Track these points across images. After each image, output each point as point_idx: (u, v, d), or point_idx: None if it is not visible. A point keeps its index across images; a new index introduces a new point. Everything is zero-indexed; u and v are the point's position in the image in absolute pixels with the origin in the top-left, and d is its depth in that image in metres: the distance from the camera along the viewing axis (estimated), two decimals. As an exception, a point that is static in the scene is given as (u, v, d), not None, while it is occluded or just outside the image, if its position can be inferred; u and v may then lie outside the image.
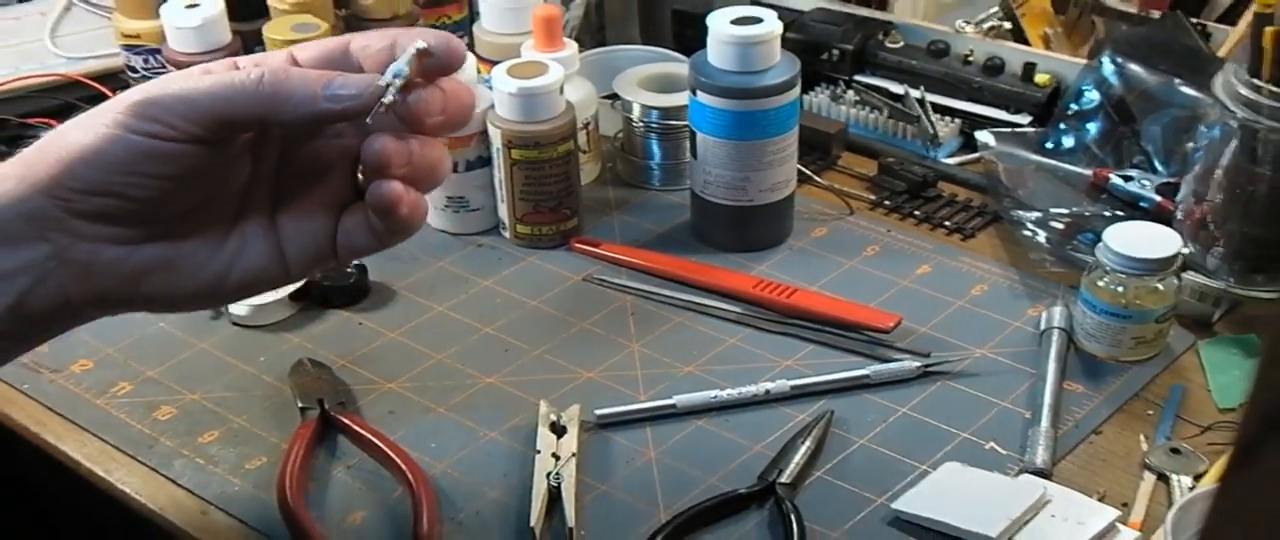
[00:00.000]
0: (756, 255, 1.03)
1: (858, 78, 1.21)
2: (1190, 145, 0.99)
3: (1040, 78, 1.15)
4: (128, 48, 1.18)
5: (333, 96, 0.64)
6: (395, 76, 0.64)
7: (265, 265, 0.69)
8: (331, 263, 0.71)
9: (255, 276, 0.69)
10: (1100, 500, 0.78)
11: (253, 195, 0.70)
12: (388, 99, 0.64)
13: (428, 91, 0.66)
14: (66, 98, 1.20)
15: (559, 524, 0.78)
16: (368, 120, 0.64)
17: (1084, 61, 1.14)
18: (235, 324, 0.97)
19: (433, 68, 0.66)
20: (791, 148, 1.02)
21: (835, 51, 1.21)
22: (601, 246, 1.05)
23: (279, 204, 0.70)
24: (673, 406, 0.87)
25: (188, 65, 1.10)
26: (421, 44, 0.65)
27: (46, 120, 1.17)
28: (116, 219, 0.65)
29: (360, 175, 0.69)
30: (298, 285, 0.97)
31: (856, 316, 0.95)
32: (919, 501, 0.79)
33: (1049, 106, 1.14)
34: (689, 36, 1.22)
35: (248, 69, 0.65)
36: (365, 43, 0.67)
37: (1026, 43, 1.22)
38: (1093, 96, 1.10)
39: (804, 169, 1.09)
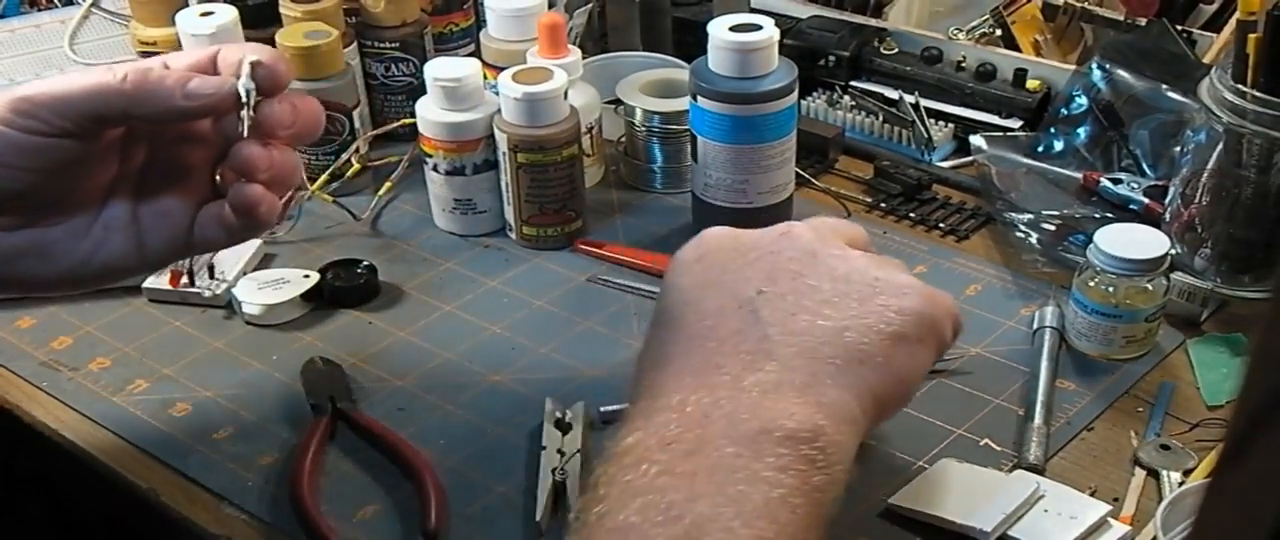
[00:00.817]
0: (756, 257, 1.04)
1: (854, 83, 1.22)
2: (1177, 149, 1.00)
3: (1031, 83, 1.16)
4: (144, 54, 1.19)
5: (189, 94, 0.71)
6: (245, 87, 0.73)
7: (125, 254, 0.76)
8: (185, 254, 0.79)
9: (116, 264, 0.77)
10: (1092, 495, 0.79)
11: (118, 189, 0.76)
12: (244, 99, 0.73)
13: (279, 105, 0.74)
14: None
15: (564, 518, 0.79)
16: (241, 133, 0.73)
17: (1073, 68, 1.15)
18: (248, 323, 0.98)
19: (263, 80, 0.73)
20: (790, 151, 1.03)
21: (832, 58, 1.22)
22: (604, 248, 1.06)
23: (141, 198, 0.76)
24: (675, 404, 0.88)
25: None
26: (253, 57, 0.73)
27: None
28: None
29: (219, 176, 0.77)
30: (309, 286, 0.99)
31: None
32: (915, 497, 0.79)
33: (1040, 111, 1.15)
34: (689, 43, 1.23)
35: (116, 69, 0.72)
36: (226, 56, 0.75)
37: (1017, 49, 1.23)
38: (1082, 102, 1.11)
39: (802, 172, 1.10)
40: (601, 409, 0.88)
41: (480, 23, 1.20)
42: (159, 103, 0.71)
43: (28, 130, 0.70)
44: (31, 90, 0.71)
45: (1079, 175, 1.08)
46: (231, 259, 1.02)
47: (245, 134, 0.73)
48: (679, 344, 0.66)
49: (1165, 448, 0.83)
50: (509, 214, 1.06)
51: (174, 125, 0.76)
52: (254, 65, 0.73)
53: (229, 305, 1.00)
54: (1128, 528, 0.77)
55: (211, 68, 0.75)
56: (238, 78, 0.73)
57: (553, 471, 0.81)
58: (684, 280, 0.70)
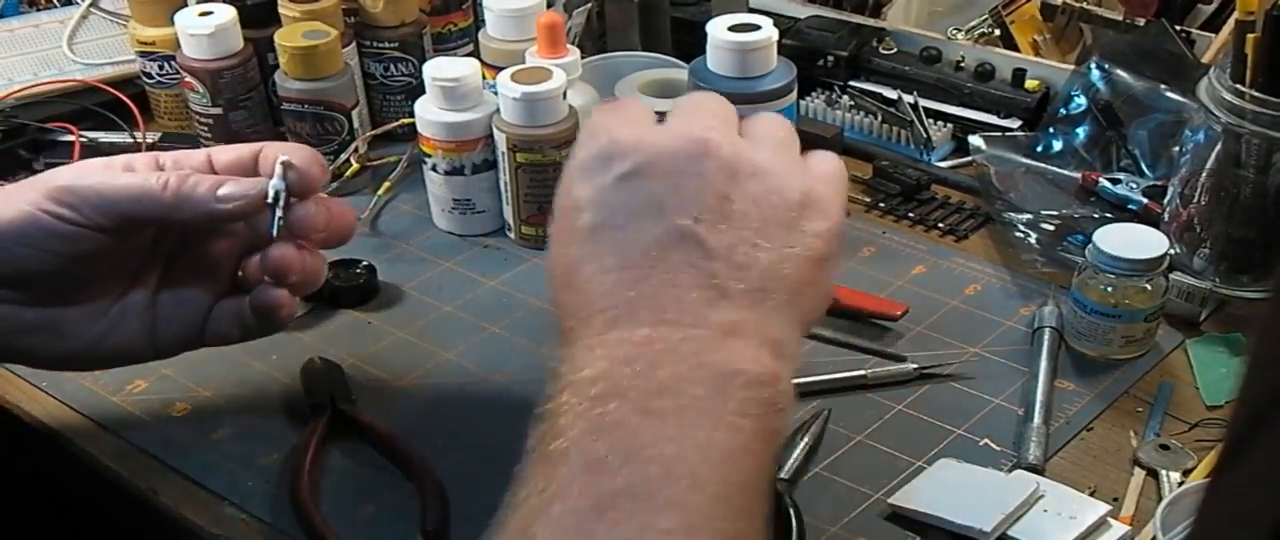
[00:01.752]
0: (755, 257, 1.04)
1: (852, 83, 1.22)
2: (1176, 149, 1.00)
3: (1030, 83, 1.16)
4: (143, 54, 1.19)
5: (221, 198, 0.74)
6: (275, 188, 0.75)
7: (136, 340, 0.77)
8: (195, 346, 0.81)
9: (125, 349, 0.78)
10: (1092, 495, 0.79)
11: (142, 276, 0.78)
12: (272, 201, 0.75)
13: (315, 208, 0.76)
14: (84, 103, 1.21)
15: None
16: (271, 233, 0.75)
17: (1072, 68, 1.15)
18: (247, 324, 0.98)
19: (295, 182, 0.75)
20: (789, 152, 1.03)
21: (830, 57, 1.22)
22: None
23: (162, 287, 0.78)
24: (675, 404, 0.88)
25: (202, 71, 1.13)
26: (286, 157, 0.75)
27: (65, 125, 1.18)
28: (11, 283, 0.73)
29: (242, 272, 0.79)
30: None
31: (865, 305, 0.97)
32: (915, 497, 0.79)
33: (1038, 111, 1.15)
34: (688, 43, 1.22)
35: (159, 174, 0.74)
36: (268, 154, 0.77)
37: (1016, 49, 1.23)
38: (1081, 102, 1.11)
39: (801, 172, 1.10)
40: (601, 409, 0.88)
41: (479, 22, 1.20)
42: (194, 208, 0.73)
43: (64, 219, 0.72)
44: (73, 180, 0.72)
45: (1078, 175, 1.08)
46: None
47: (274, 234, 0.75)
48: (627, 272, 0.62)
49: (1165, 448, 0.83)
50: (508, 214, 1.06)
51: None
52: (286, 165, 0.75)
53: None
54: (1127, 528, 0.77)
55: (253, 164, 0.77)
56: (271, 178, 0.75)
57: (552, 471, 0.81)
58: (607, 197, 0.64)
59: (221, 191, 0.74)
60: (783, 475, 0.81)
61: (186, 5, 1.17)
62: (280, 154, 0.76)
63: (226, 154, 0.77)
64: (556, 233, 0.66)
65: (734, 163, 0.64)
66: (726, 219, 0.63)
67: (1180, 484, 0.80)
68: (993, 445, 0.85)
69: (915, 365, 0.91)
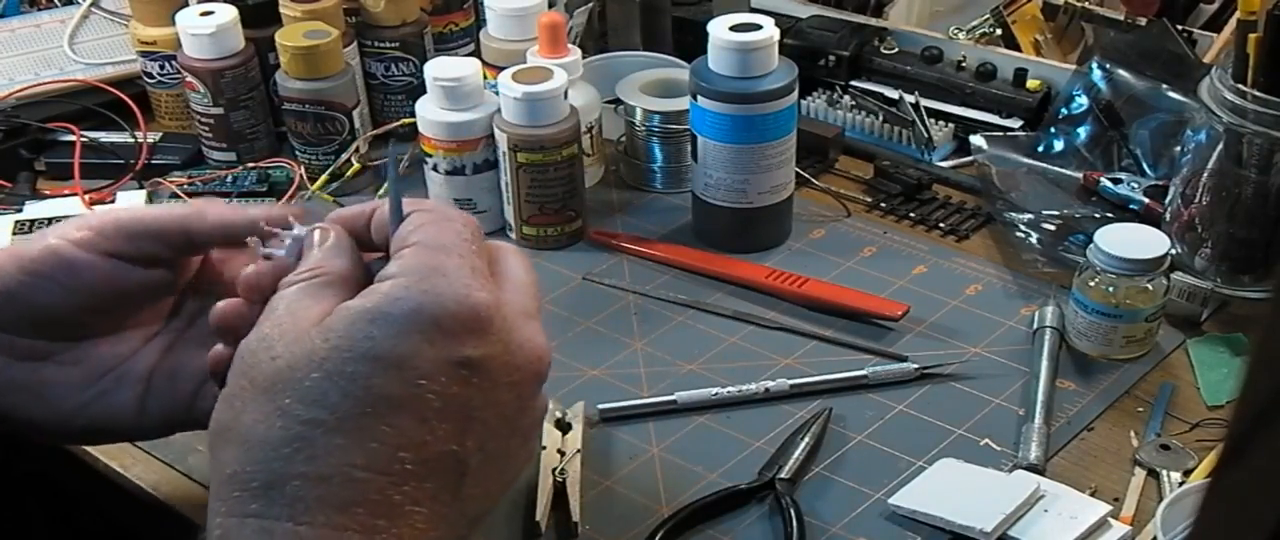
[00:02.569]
0: (757, 256, 1.04)
1: (854, 83, 1.22)
2: (1177, 149, 1.00)
3: (1031, 83, 1.16)
4: (144, 54, 1.20)
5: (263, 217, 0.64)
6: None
7: (122, 412, 0.70)
8: (182, 428, 0.72)
9: (109, 421, 0.71)
10: (1092, 495, 0.79)
11: (150, 343, 0.72)
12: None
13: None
14: (85, 103, 1.21)
15: (564, 518, 0.79)
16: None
17: (1074, 67, 1.15)
18: (247, 324, 0.98)
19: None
20: (790, 151, 1.03)
21: (832, 57, 1.22)
22: (619, 238, 1.07)
23: (162, 359, 0.71)
24: (674, 402, 0.89)
25: (203, 71, 1.13)
26: (280, 253, 0.63)
27: (66, 125, 1.18)
28: (16, 326, 0.67)
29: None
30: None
31: (866, 305, 0.97)
32: (915, 497, 0.80)
33: (1040, 111, 1.15)
34: (689, 43, 1.22)
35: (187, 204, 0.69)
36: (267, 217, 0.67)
37: (1017, 49, 1.24)
38: (1082, 101, 1.11)
39: (802, 172, 1.10)
40: (599, 406, 0.88)
41: (480, 22, 1.20)
42: (221, 225, 0.67)
43: (85, 245, 0.66)
44: (94, 215, 0.68)
45: (1079, 175, 1.08)
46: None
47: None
48: (376, 476, 0.52)
49: (1165, 448, 0.83)
50: (509, 214, 1.06)
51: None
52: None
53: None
54: (1128, 528, 0.77)
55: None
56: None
57: (553, 471, 0.81)
58: (428, 378, 0.53)
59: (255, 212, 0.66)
60: (784, 475, 0.81)
61: (187, 5, 1.17)
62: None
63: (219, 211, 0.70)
64: (289, 370, 0.52)
65: (521, 389, 0.56)
66: (496, 457, 0.55)
67: (1181, 484, 0.80)
68: (993, 445, 0.85)
69: (916, 365, 0.91)
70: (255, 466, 0.51)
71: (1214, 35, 1.17)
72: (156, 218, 0.68)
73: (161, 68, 1.19)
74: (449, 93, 1.03)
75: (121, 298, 0.69)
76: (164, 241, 0.68)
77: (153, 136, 1.20)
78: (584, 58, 1.11)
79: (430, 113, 1.04)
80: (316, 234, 0.60)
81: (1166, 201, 1.00)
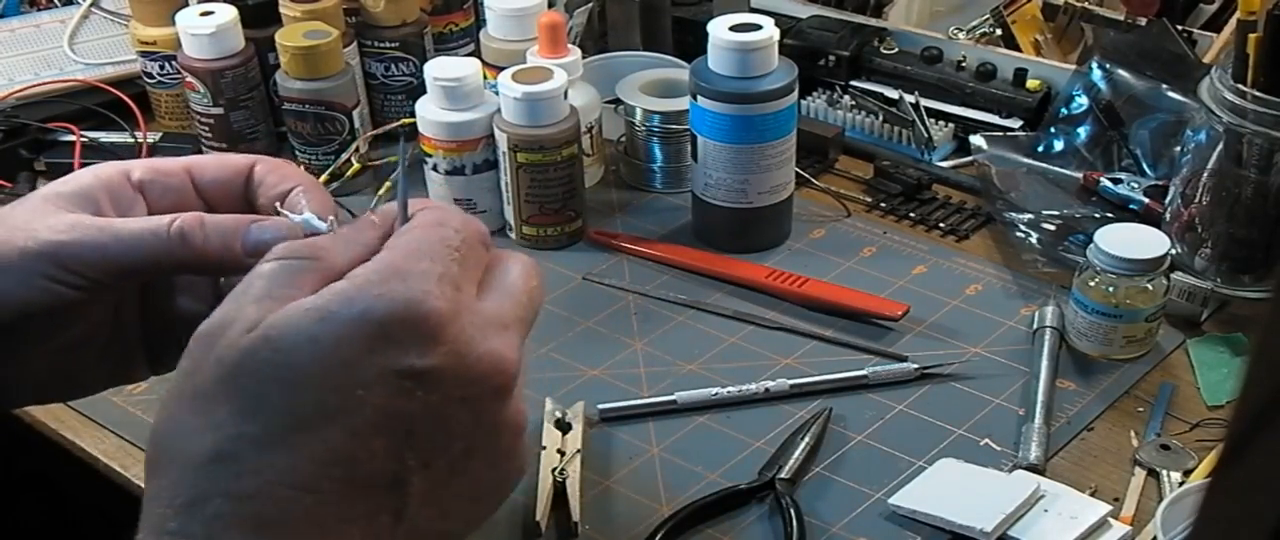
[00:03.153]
0: (757, 256, 1.04)
1: (854, 83, 1.22)
2: (1177, 149, 1.00)
3: (1031, 83, 1.16)
4: (144, 54, 1.20)
5: (254, 247, 0.59)
6: (308, 229, 0.60)
7: (135, 363, 0.66)
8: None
9: (125, 373, 0.66)
10: (1092, 495, 0.79)
11: (123, 316, 0.65)
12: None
13: None
14: (85, 103, 1.21)
15: (564, 518, 0.79)
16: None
17: (1074, 67, 1.15)
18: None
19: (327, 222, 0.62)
20: (790, 151, 1.03)
21: (832, 57, 1.22)
22: (619, 238, 1.07)
23: (147, 318, 0.66)
24: (674, 402, 0.89)
25: (203, 71, 1.13)
26: (323, 228, 0.60)
27: (66, 125, 1.18)
28: None
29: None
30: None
31: (866, 305, 0.97)
32: (915, 497, 0.80)
33: (1040, 111, 1.15)
34: (689, 43, 1.23)
35: (165, 219, 0.60)
36: (265, 175, 0.63)
37: (1017, 49, 1.23)
38: (1082, 101, 1.11)
39: (802, 172, 1.10)
40: (600, 406, 0.88)
41: (480, 22, 1.20)
42: (215, 260, 0.60)
43: (59, 281, 0.59)
44: (69, 239, 0.59)
45: (1079, 175, 1.08)
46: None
47: None
48: (305, 494, 0.48)
49: (1165, 448, 0.83)
50: (509, 214, 1.06)
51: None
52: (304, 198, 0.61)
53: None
54: (1128, 528, 0.77)
55: (242, 185, 0.64)
56: (296, 217, 0.60)
57: (553, 471, 0.82)
58: (374, 390, 0.49)
59: (253, 240, 0.60)
60: (784, 475, 0.81)
61: (187, 5, 1.17)
62: (286, 179, 0.62)
63: (210, 169, 0.64)
64: (233, 371, 0.49)
65: (519, 400, 0.53)
66: (449, 480, 0.51)
67: (1181, 484, 0.80)
68: (993, 445, 0.85)
69: (916, 365, 0.91)
70: (182, 483, 0.48)
71: (1214, 35, 1.17)
72: (148, 254, 0.60)
73: (161, 68, 1.19)
74: (449, 93, 1.03)
75: (93, 306, 0.62)
76: (153, 271, 0.61)
77: (153, 136, 1.20)
78: (584, 58, 1.11)
79: (430, 113, 1.04)
80: (344, 227, 0.58)
81: (1166, 201, 1.00)
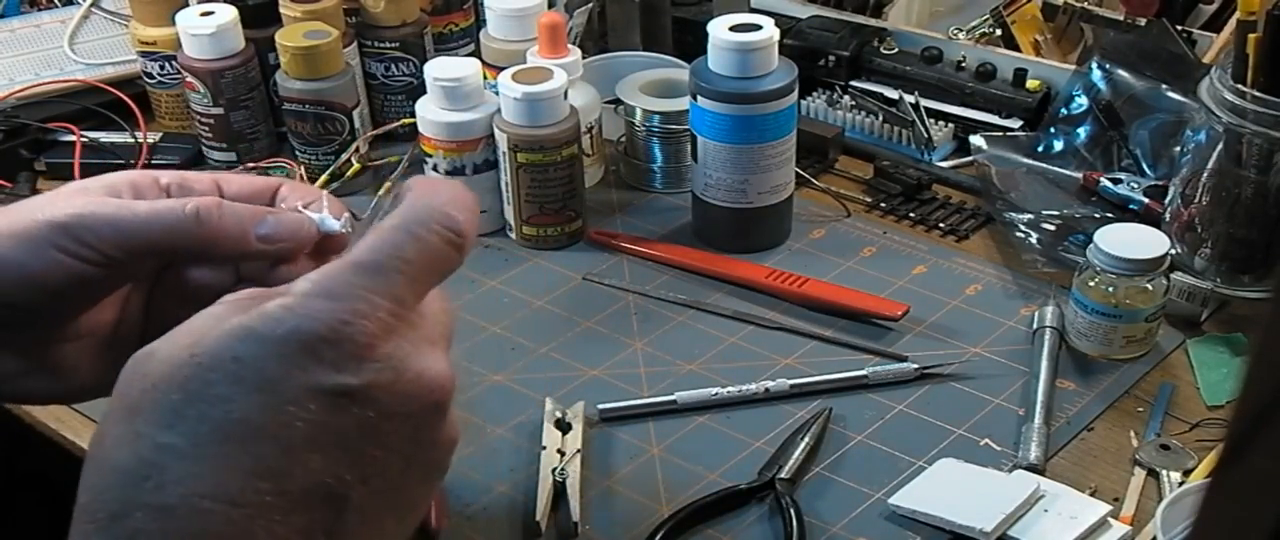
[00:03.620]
0: (757, 256, 1.04)
1: (854, 83, 1.22)
2: (1177, 149, 1.00)
3: (1031, 83, 1.16)
4: (144, 54, 1.20)
5: (266, 236, 0.61)
6: (322, 228, 0.62)
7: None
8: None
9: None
10: (1092, 495, 0.79)
11: (128, 306, 0.66)
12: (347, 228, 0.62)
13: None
14: (85, 103, 1.21)
15: (564, 518, 0.79)
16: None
17: (1073, 67, 1.15)
18: (247, 324, 0.98)
19: (331, 244, 0.64)
20: (790, 151, 1.03)
21: (832, 57, 1.22)
22: (619, 238, 1.07)
23: (149, 314, 0.66)
24: (674, 402, 0.89)
25: (203, 71, 1.13)
26: (336, 226, 0.62)
27: (66, 125, 1.18)
28: None
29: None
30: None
31: (866, 305, 0.97)
32: (915, 497, 0.80)
33: (1040, 111, 1.15)
34: (689, 43, 1.23)
35: (182, 201, 0.61)
36: (289, 193, 0.65)
37: (1017, 49, 1.24)
38: (1082, 101, 1.11)
39: (802, 172, 1.10)
40: (600, 406, 0.88)
41: (480, 22, 1.20)
42: (227, 247, 0.62)
43: (72, 254, 0.59)
44: (84, 211, 0.60)
45: (1079, 175, 1.09)
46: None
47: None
48: (234, 509, 0.47)
49: (1165, 448, 0.83)
50: (509, 214, 1.06)
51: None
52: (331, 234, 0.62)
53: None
54: (1128, 528, 0.77)
55: (269, 201, 0.65)
56: (310, 216, 0.62)
57: (553, 471, 0.82)
58: (298, 407, 0.48)
59: (265, 230, 0.61)
60: (784, 475, 0.81)
61: (188, 5, 1.17)
62: (309, 196, 0.64)
63: (236, 183, 0.65)
64: (151, 395, 0.48)
65: (453, 415, 0.53)
66: (389, 494, 0.51)
67: (1181, 484, 0.81)
68: (993, 445, 0.85)
69: (916, 365, 0.91)
70: (105, 496, 0.47)
71: (1214, 35, 1.17)
72: (164, 230, 0.60)
73: (161, 68, 1.19)
74: (449, 93, 1.03)
75: (100, 289, 0.63)
76: (162, 252, 0.62)
77: (153, 136, 1.20)
78: (584, 58, 1.11)
79: (430, 113, 1.04)
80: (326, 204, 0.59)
81: (1166, 201, 1.00)
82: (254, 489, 0.47)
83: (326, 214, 0.61)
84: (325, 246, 0.63)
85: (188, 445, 0.47)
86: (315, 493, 0.48)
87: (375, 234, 0.52)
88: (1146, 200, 1.04)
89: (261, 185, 0.65)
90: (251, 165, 1.17)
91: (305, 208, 0.63)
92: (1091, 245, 0.90)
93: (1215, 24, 1.19)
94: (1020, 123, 1.16)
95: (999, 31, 1.25)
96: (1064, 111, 1.12)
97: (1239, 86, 0.89)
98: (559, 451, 0.83)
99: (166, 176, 0.64)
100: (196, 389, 0.47)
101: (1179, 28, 1.17)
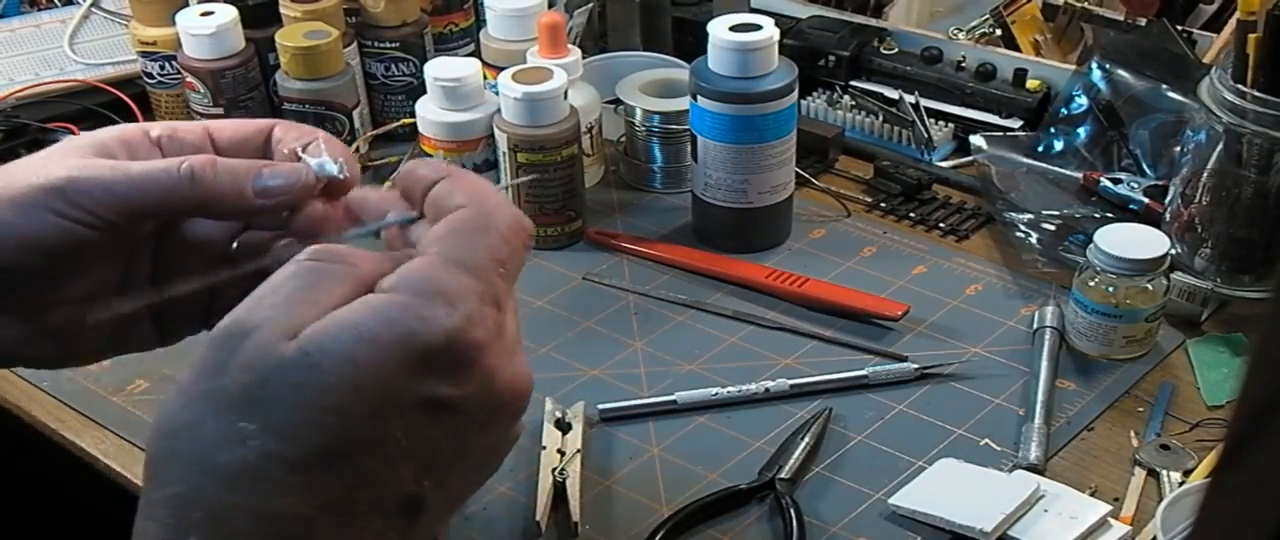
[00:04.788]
0: (757, 256, 1.04)
1: (854, 83, 1.22)
2: (1177, 149, 1.00)
3: (1031, 83, 1.16)
4: (144, 54, 1.19)
5: (263, 190, 0.59)
6: (328, 174, 0.60)
7: (145, 332, 0.65)
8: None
9: (140, 341, 0.65)
10: (1092, 495, 0.79)
11: (134, 267, 0.65)
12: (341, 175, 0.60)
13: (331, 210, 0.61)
14: (85, 103, 1.21)
15: (564, 518, 0.79)
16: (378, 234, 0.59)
17: (1073, 67, 1.15)
18: (247, 324, 0.98)
19: (335, 188, 0.61)
20: (790, 151, 1.03)
21: (832, 57, 1.22)
22: (619, 238, 1.07)
23: (157, 274, 0.65)
24: (674, 402, 0.89)
25: (203, 71, 1.13)
26: (334, 170, 0.60)
27: (66, 125, 1.18)
28: None
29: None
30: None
31: (866, 305, 0.97)
32: (915, 497, 0.80)
33: (1040, 111, 1.15)
34: (689, 43, 1.23)
35: (176, 161, 0.59)
36: (283, 134, 0.63)
37: (1017, 49, 1.24)
38: (1082, 101, 1.11)
39: (802, 172, 1.10)
40: (600, 406, 0.88)
41: (480, 22, 1.20)
42: (225, 204, 0.60)
43: (68, 217, 0.58)
44: (78, 173, 0.59)
45: (1079, 175, 1.09)
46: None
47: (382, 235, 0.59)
48: (320, 492, 0.47)
49: (1165, 448, 0.83)
50: (509, 214, 1.06)
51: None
52: (331, 180, 0.60)
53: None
54: (1128, 528, 0.77)
55: (261, 145, 0.63)
56: (309, 165, 0.60)
57: (553, 471, 0.82)
58: (394, 421, 0.48)
59: (262, 183, 0.59)
60: (784, 475, 0.81)
61: (188, 5, 1.17)
62: (304, 136, 0.62)
63: (228, 130, 0.63)
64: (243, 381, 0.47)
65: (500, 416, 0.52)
66: (456, 494, 0.52)
67: (1181, 484, 0.81)
68: (993, 445, 0.85)
69: (916, 365, 0.91)
70: (202, 494, 0.46)
71: (1214, 35, 1.17)
72: (162, 191, 0.59)
73: (161, 68, 1.19)
74: (449, 93, 1.03)
75: (99, 252, 0.61)
76: (160, 213, 0.60)
77: (153, 136, 1.20)
78: (584, 58, 1.11)
79: (430, 113, 1.04)
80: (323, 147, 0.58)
81: (1166, 201, 1.00)
82: (352, 498, 0.47)
83: (325, 158, 0.60)
84: (332, 189, 0.61)
85: (298, 456, 0.46)
86: (398, 498, 0.48)
87: (466, 231, 0.51)
88: (1146, 200, 1.04)
89: (253, 129, 0.63)
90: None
91: (304, 152, 0.61)
92: (1091, 245, 0.90)
93: (1215, 24, 1.19)
94: (1020, 123, 1.16)
95: (999, 31, 1.25)
96: (1064, 111, 1.12)
97: (1239, 86, 0.89)
98: (559, 451, 0.83)
99: (157, 129, 0.63)
100: (311, 397, 0.46)
101: (1179, 28, 1.17)
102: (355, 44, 1.18)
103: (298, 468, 0.46)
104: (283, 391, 0.47)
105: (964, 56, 1.20)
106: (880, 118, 1.19)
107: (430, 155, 1.06)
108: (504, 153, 1.03)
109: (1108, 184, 1.06)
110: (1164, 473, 0.81)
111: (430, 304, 0.48)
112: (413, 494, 0.49)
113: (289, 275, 0.50)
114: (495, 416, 0.50)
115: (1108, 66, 1.11)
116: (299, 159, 0.61)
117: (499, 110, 1.03)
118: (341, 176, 0.60)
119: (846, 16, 1.27)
